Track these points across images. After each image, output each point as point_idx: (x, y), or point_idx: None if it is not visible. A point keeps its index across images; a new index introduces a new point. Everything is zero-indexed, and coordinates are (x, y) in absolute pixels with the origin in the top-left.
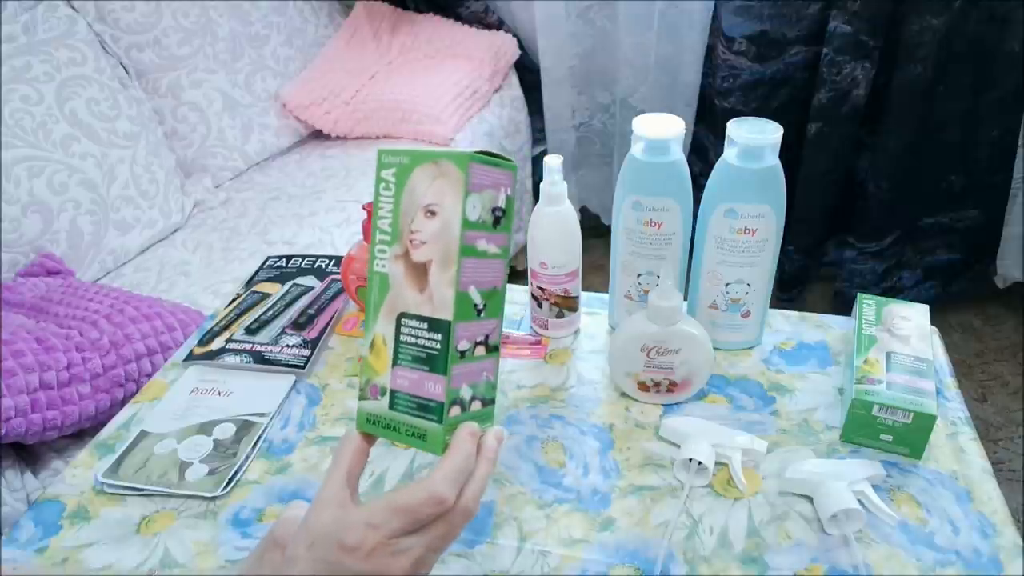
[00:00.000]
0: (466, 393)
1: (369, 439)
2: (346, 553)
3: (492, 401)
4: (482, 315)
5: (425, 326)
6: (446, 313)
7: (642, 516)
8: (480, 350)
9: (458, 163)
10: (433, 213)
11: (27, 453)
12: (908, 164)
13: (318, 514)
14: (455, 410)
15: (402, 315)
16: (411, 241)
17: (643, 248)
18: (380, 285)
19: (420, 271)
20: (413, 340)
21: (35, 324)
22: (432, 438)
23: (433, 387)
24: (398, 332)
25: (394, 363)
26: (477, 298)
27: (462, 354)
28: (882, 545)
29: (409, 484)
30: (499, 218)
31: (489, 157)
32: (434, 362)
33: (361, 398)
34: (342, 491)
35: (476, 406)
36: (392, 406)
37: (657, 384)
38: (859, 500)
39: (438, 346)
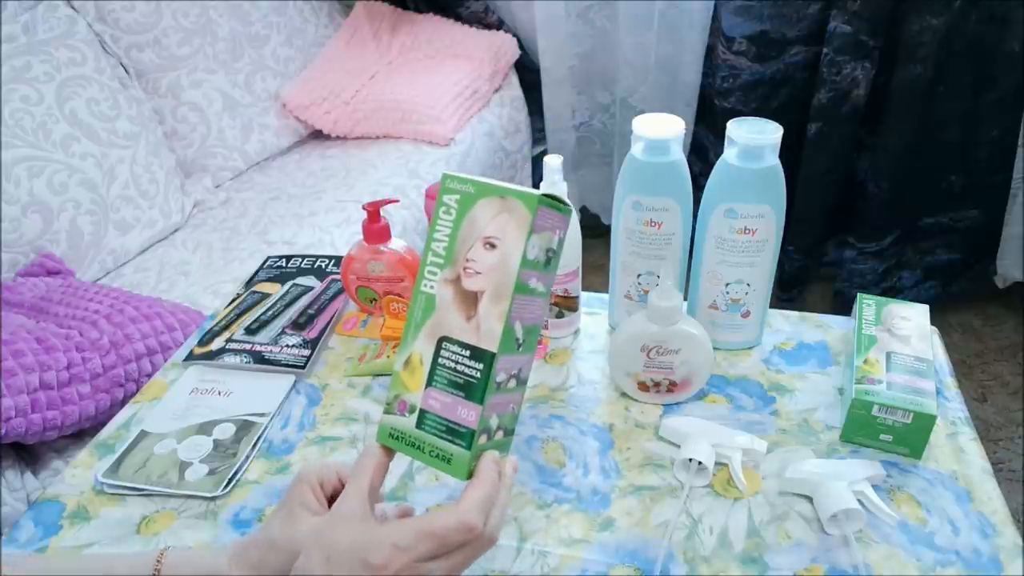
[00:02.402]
0: (493, 422)
1: (390, 453)
2: (369, 571)
3: (512, 432)
4: (520, 350)
5: (467, 353)
6: (491, 344)
7: (642, 516)
8: (512, 383)
9: (527, 203)
10: (493, 246)
11: (27, 453)
12: (908, 164)
13: (338, 528)
14: (483, 438)
15: (444, 339)
16: (465, 269)
17: (643, 248)
18: (425, 305)
19: (469, 299)
20: (452, 365)
21: (35, 324)
22: (457, 463)
23: (467, 414)
24: (437, 354)
25: (428, 384)
26: (520, 333)
27: (498, 385)
28: (882, 545)
29: (438, 509)
30: (550, 259)
31: (552, 201)
32: (471, 390)
33: (387, 411)
34: (363, 506)
35: (499, 435)
36: (420, 425)
37: (657, 384)
38: (859, 500)
39: (478, 375)
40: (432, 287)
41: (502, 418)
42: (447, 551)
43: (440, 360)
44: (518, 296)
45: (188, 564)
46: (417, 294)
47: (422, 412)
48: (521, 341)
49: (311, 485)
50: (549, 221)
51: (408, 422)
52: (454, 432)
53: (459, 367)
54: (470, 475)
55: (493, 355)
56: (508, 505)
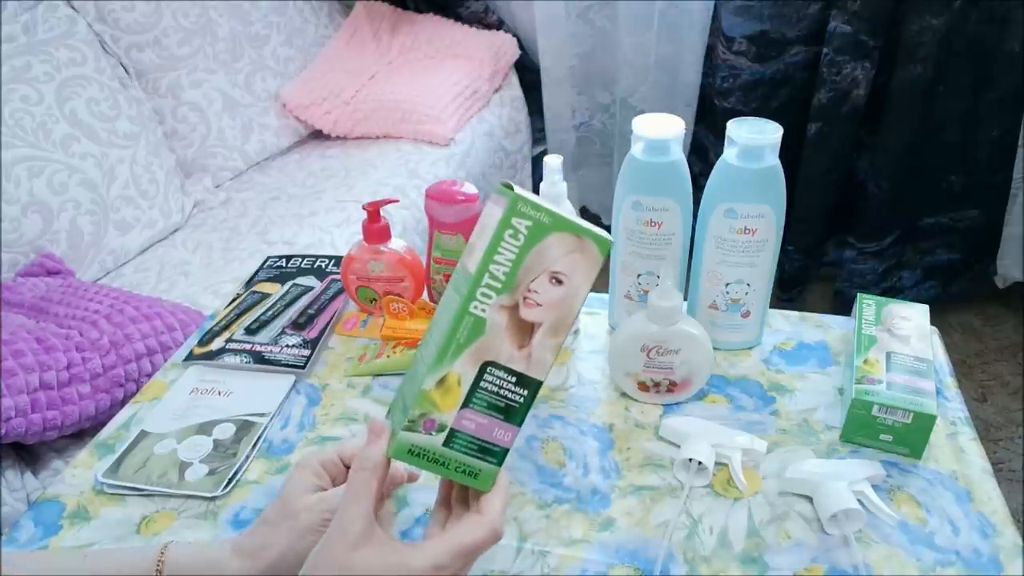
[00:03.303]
0: None
1: (388, 468)
2: None
3: None
4: None
5: (514, 380)
6: (539, 374)
7: (642, 516)
8: None
9: (600, 247)
10: (559, 282)
11: (27, 453)
12: (908, 164)
13: (351, 552)
14: None
15: (490, 363)
16: (525, 299)
17: (643, 248)
18: (473, 328)
19: (524, 328)
20: (495, 389)
21: (35, 324)
22: (485, 476)
23: (503, 434)
24: (479, 378)
25: (464, 405)
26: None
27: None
28: (882, 545)
29: (463, 521)
30: None
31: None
32: (512, 413)
33: (409, 429)
34: (375, 528)
35: None
36: (449, 444)
37: (657, 384)
38: (859, 500)
39: (521, 400)
40: (484, 311)
41: None
42: (476, 558)
43: (482, 383)
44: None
45: (190, 559)
46: (464, 315)
47: (452, 431)
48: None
49: (312, 468)
50: None
51: (434, 440)
52: (486, 450)
53: (502, 391)
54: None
55: (540, 384)
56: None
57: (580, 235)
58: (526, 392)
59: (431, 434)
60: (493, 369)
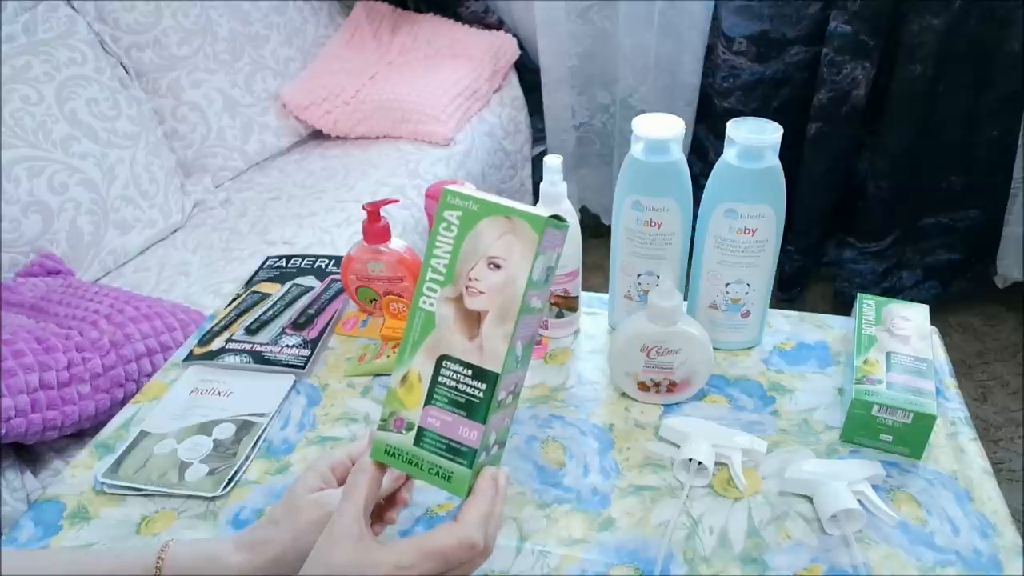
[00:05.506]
0: (492, 439)
1: (382, 468)
2: None
3: (504, 443)
4: (519, 366)
5: (469, 373)
6: (495, 365)
7: (642, 516)
8: (509, 398)
9: (534, 225)
10: (497, 266)
11: (27, 453)
12: (908, 164)
13: (334, 548)
14: (483, 455)
15: (445, 357)
16: (468, 288)
17: (643, 248)
18: (424, 323)
19: (471, 318)
20: (453, 384)
21: (35, 324)
22: (458, 481)
23: (468, 432)
24: (437, 373)
25: (427, 402)
26: (519, 351)
27: (499, 403)
28: (882, 545)
29: (438, 527)
30: (548, 276)
31: (555, 221)
32: (473, 409)
33: (382, 428)
34: (358, 525)
35: (495, 449)
36: (418, 443)
37: (657, 384)
38: (859, 500)
39: (481, 395)
40: (432, 304)
41: (499, 432)
42: (449, 568)
43: (440, 379)
44: (523, 317)
45: (192, 555)
46: (415, 311)
47: (420, 430)
48: (520, 358)
49: (319, 471)
50: (552, 240)
51: (405, 439)
52: (455, 451)
53: (460, 386)
54: (469, 491)
55: (497, 376)
56: (503, 516)
57: (510, 216)
58: (484, 386)
59: (401, 433)
60: (448, 363)
